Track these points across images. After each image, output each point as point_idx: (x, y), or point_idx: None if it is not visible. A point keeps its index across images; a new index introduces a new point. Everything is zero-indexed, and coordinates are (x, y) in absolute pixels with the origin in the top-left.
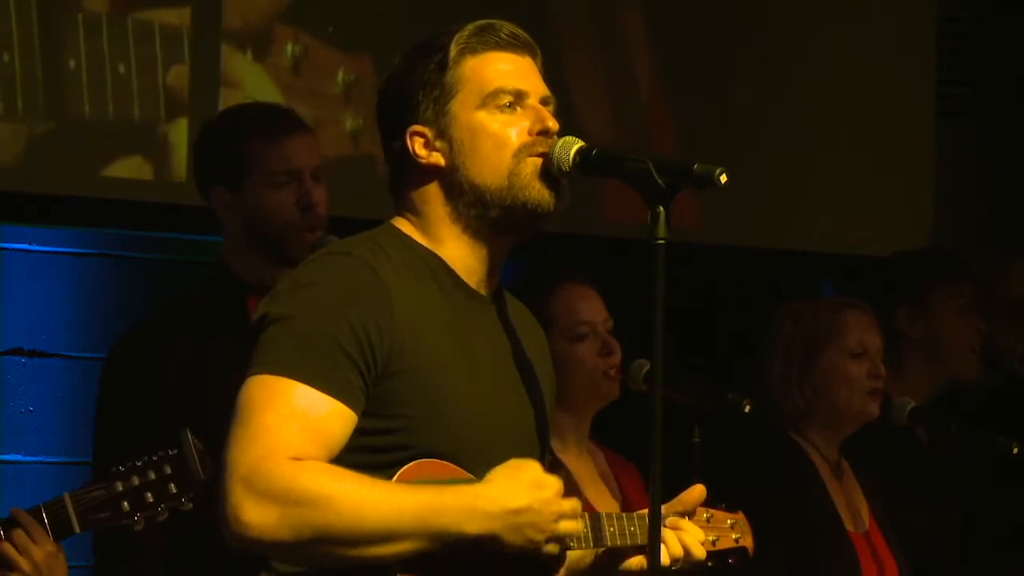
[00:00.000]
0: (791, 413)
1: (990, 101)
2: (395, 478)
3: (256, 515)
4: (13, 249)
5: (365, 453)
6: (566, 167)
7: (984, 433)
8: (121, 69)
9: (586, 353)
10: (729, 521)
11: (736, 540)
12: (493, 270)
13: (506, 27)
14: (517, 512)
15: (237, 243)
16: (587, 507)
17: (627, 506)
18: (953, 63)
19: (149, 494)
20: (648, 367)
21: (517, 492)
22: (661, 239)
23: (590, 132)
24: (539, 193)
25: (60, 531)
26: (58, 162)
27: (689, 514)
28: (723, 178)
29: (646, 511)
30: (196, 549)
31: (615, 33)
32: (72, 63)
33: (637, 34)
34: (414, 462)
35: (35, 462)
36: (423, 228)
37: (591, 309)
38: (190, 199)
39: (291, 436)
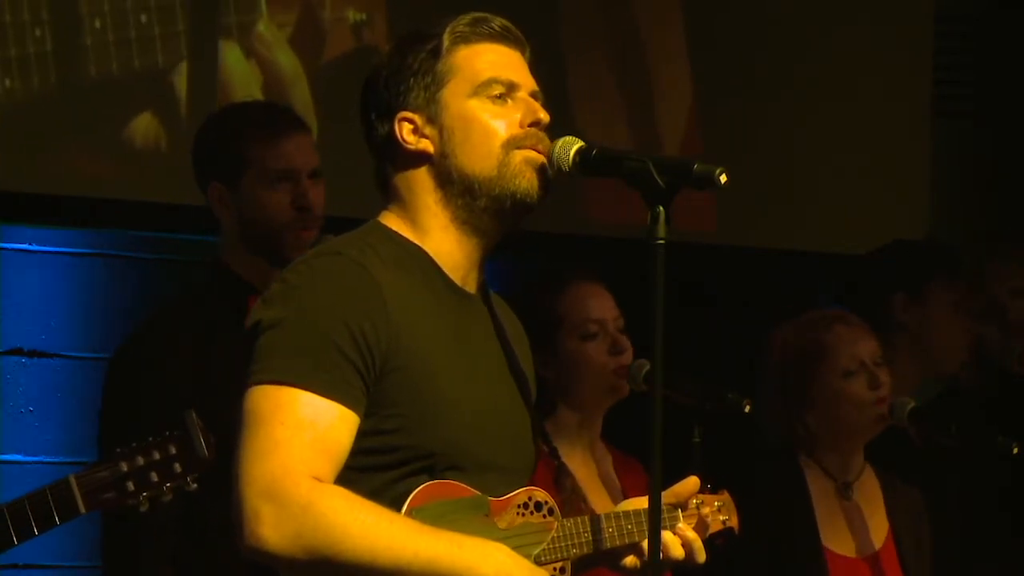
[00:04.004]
0: (796, 442)
1: (990, 101)
2: (407, 504)
3: (272, 532)
4: (13, 249)
5: (362, 456)
6: (566, 167)
7: (984, 433)
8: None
9: (596, 352)
10: (716, 503)
11: (724, 522)
12: (477, 265)
13: (499, 20)
14: (533, 570)
15: (234, 241)
16: (589, 511)
17: None
18: (953, 63)
19: (154, 474)
20: (648, 367)
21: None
22: (661, 239)
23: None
24: (528, 183)
25: (65, 512)
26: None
27: (682, 506)
28: (723, 178)
29: (644, 508)
30: (204, 554)
31: (634, 35)
32: (98, 23)
33: (661, 39)
34: (424, 486)
35: (35, 462)
36: (409, 219)
37: (602, 307)
38: (189, 198)
39: (303, 451)
